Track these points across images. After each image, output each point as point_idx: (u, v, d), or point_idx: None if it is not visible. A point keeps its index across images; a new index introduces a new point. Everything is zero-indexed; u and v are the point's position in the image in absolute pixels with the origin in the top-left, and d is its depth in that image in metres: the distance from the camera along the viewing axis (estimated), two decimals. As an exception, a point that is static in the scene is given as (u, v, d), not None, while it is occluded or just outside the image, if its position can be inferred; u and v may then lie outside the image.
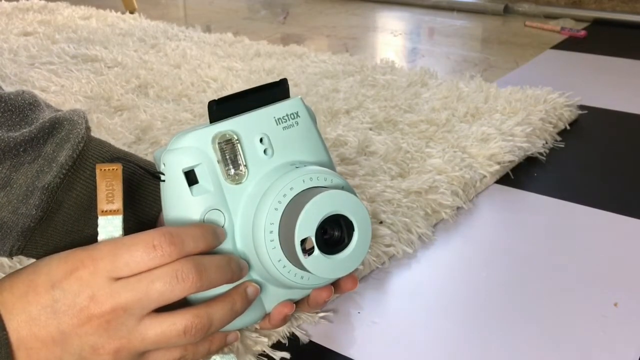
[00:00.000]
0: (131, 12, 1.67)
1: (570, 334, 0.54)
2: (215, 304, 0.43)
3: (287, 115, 0.47)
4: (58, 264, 0.40)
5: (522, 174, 0.82)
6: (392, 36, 1.52)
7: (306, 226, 0.42)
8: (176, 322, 0.40)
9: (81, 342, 0.39)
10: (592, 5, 1.61)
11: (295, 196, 0.43)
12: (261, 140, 0.45)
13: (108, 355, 0.40)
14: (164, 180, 0.44)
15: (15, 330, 0.39)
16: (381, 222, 0.68)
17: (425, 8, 1.74)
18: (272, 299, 0.48)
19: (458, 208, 0.73)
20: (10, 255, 0.48)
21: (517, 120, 0.90)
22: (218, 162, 0.44)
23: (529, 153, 0.85)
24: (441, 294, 0.60)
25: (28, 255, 0.49)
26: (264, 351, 0.52)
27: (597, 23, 1.54)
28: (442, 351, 0.53)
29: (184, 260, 0.40)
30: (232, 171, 0.45)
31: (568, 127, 0.95)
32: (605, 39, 1.43)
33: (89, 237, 0.49)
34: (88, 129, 0.50)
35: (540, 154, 0.86)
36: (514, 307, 0.58)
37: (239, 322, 0.46)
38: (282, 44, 1.34)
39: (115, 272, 0.39)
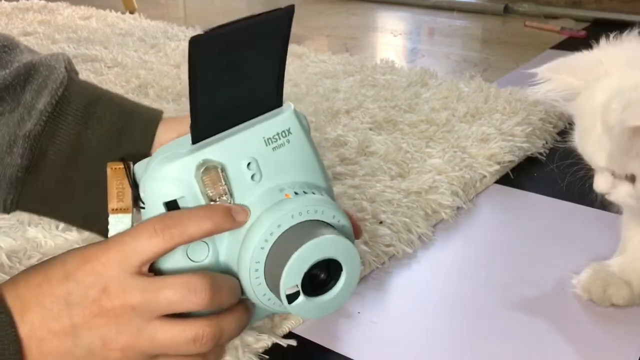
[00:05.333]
0: (131, 12, 1.67)
1: (571, 334, 0.54)
2: (226, 316, 0.42)
3: (277, 134, 0.44)
4: (73, 256, 0.40)
5: (522, 174, 0.82)
6: (392, 36, 1.52)
7: (292, 276, 0.40)
8: (187, 330, 0.40)
9: (91, 335, 0.39)
10: (592, 5, 1.61)
11: (282, 234, 0.41)
12: (248, 165, 0.43)
13: (117, 352, 0.40)
14: (143, 208, 0.42)
15: (29, 322, 0.39)
16: (381, 222, 0.68)
17: (425, 8, 1.74)
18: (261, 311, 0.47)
19: (458, 208, 0.73)
20: (6, 210, 0.47)
21: (517, 120, 0.90)
22: (201, 193, 0.42)
23: (529, 153, 0.85)
24: (441, 294, 0.60)
25: (24, 210, 0.49)
26: (264, 351, 0.52)
27: (597, 23, 1.54)
28: (441, 351, 0.53)
29: (201, 274, 0.40)
30: (217, 202, 0.42)
31: (568, 127, 0.95)
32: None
33: (83, 184, 0.48)
34: (72, 72, 0.48)
35: (540, 154, 0.86)
36: (514, 307, 0.58)
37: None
38: (282, 44, 1.34)
39: (128, 262, 0.39)
